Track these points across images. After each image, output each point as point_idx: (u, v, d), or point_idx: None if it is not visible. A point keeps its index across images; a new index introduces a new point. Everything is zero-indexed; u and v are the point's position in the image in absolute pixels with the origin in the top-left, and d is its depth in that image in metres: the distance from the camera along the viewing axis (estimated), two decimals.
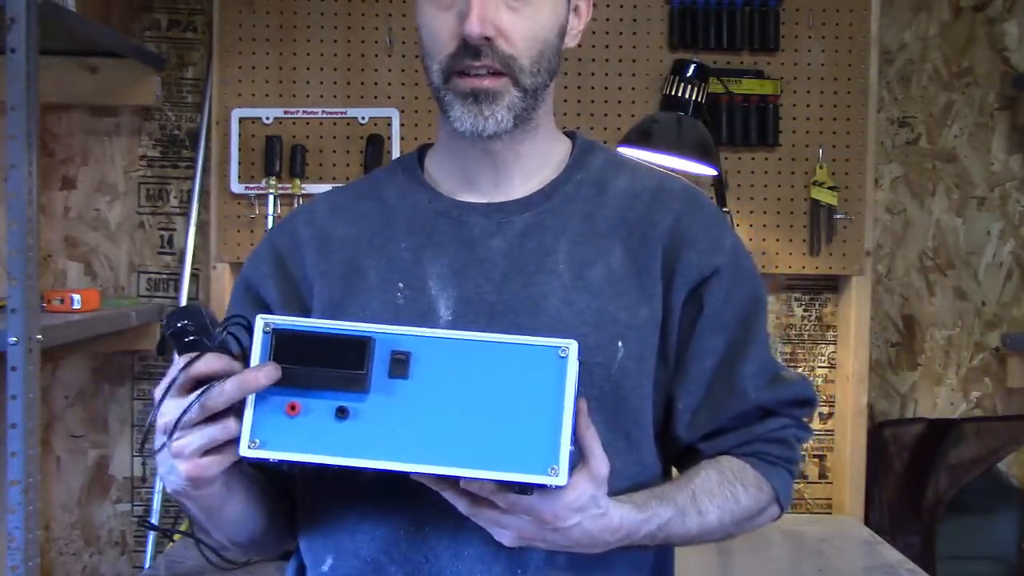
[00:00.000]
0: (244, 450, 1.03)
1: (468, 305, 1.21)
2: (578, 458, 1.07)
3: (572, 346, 1.04)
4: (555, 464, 1.01)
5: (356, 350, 1.04)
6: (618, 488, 1.16)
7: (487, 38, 1.17)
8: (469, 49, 1.18)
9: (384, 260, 1.26)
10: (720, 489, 1.22)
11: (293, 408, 1.03)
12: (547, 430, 1.02)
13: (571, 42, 1.29)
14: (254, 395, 1.04)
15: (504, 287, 1.22)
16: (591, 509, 1.08)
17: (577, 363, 1.04)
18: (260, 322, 1.05)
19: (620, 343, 1.21)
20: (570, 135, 1.36)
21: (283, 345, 1.04)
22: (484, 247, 1.24)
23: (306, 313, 1.28)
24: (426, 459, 1.02)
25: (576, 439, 1.05)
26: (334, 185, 1.43)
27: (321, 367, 1.04)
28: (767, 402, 1.27)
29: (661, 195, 1.29)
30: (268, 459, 1.04)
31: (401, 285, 1.24)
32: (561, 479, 1.02)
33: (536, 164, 1.29)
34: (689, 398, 1.26)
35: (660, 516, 1.16)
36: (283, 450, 1.03)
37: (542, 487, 1.03)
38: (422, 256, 1.25)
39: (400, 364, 1.04)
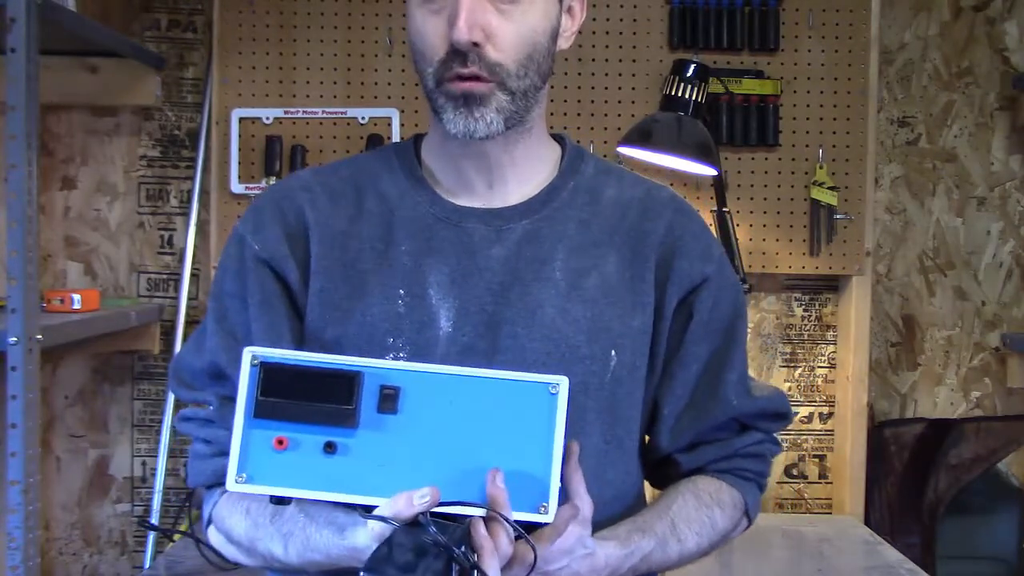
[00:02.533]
0: (231, 484, 1.02)
1: (467, 315, 1.21)
2: (563, 496, 1.07)
3: (563, 382, 1.04)
4: (545, 502, 1.02)
5: (345, 385, 1.03)
6: (606, 497, 1.18)
7: (475, 43, 1.17)
8: (458, 54, 1.17)
9: (385, 265, 1.24)
10: (698, 514, 1.24)
11: (281, 442, 1.02)
12: (537, 467, 1.02)
13: (564, 44, 1.28)
14: (241, 428, 1.03)
15: (502, 296, 1.22)
16: (579, 551, 1.10)
17: (567, 399, 1.04)
18: (248, 354, 1.04)
19: (613, 352, 1.22)
20: (558, 138, 1.35)
21: (271, 378, 1.03)
22: (484, 255, 1.24)
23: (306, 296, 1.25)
24: None
25: (563, 479, 1.05)
26: None
27: (309, 401, 1.02)
28: (746, 412, 1.30)
29: (650, 204, 1.31)
30: (255, 494, 1.03)
31: (402, 292, 1.23)
32: (550, 516, 1.02)
33: (531, 168, 1.29)
34: (675, 403, 1.28)
35: (642, 549, 1.18)
36: (270, 484, 1.03)
37: (532, 524, 1.03)
38: (423, 263, 1.24)
39: (389, 399, 1.03)
